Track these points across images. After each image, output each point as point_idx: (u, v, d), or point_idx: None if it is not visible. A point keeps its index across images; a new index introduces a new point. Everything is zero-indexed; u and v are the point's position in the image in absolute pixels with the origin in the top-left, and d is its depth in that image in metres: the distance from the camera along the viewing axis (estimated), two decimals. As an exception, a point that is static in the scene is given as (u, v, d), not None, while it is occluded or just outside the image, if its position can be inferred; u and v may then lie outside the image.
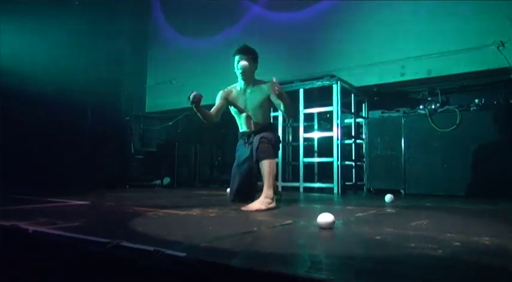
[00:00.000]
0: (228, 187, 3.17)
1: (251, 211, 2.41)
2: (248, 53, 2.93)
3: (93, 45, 5.71)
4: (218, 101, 3.04)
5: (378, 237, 1.50)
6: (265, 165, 2.62)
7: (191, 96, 2.69)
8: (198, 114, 2.84)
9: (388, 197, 3.26)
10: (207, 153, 6.34)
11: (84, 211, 2.48)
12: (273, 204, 2.56)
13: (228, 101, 3.03)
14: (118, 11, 6.55)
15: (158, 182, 5.46)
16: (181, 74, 6.71)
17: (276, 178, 2.84)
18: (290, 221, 1.97)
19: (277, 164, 2.76)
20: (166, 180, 5.54)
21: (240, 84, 3.02)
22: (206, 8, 6.70)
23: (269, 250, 1.34)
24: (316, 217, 1.76)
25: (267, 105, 3.02)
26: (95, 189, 4.40)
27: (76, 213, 2.31)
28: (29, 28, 4.99)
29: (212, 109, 2.98)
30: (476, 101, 4.23)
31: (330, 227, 1.73)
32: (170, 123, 6.16)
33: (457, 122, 4.13)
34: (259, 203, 2.50)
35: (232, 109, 3.08)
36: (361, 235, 1.64)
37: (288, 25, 5.86)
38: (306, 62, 5.58)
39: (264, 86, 2.96)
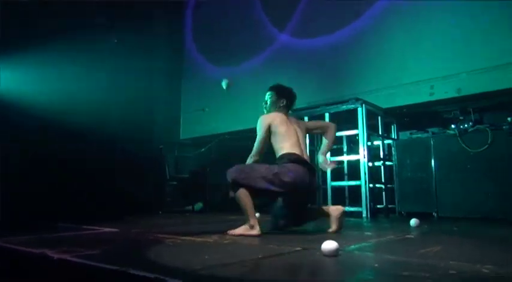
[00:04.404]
0: (257, 212, 3.22)
1: (254, 238, 2.50)
2: (276, 89, 3.12)
3: (129, 79, 6.09)
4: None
5: (376, 265, 1.52)
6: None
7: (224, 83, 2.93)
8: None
9: (413, 221, 3.18)
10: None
11: (109, 238, 2.64)
12: (254, 232, 2.58)
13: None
14: (152, 44, 6.97)
15: (190, 207, 5.62)
16: (214, 101, 6.96)
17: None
18: (300, 248, 2.00)
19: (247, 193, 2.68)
20: (198, 205, 5.69)
21: None
22: (235, 38, 6.98)
23: (262, 278, 1.40)
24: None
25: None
26: (128, 216, 4.61)
27: (101, 241, 2.47)
28: (69, 65, 5.42)
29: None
30: (509, 119, 4.07)
31: (333, 254, 1.75)
32: (203, 149, 6.36)
33: (489, 141, 3.98)
34: (236, 230, 2.65)
35: None
36: (360, 263, 1.65)
37: (314, 51, 5.97)
38: (333, 86, 5.63)
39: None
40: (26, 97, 4.97)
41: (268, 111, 3.06)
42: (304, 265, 1.61)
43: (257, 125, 2.90)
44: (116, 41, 6.24)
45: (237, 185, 2.68)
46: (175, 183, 6.12)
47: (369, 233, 2.76)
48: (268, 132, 2.87)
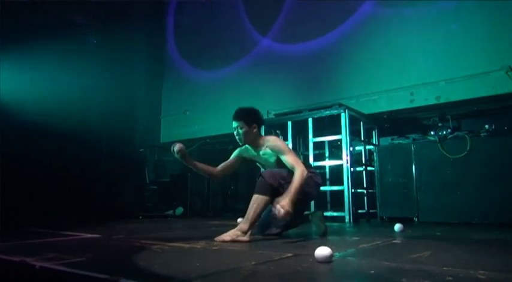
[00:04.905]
0: (240, 217, 3.18)
1: (243, 244, 2.45)
2: (242, 118, 2.81)
3: (107, 80, 5.95)
4: (232, 157, 3.05)
5: (372, 272, 1.51)
6: (252, 200, 2.62)
7: (175, 149, 2.68)
8: (193, 168, 2.84)
9: (397, 227, 3.22)
10: (219, 183, 6.40)
11: (92, 245, 2.54)
12: (244, 238, 2.52)
13: (244, 159, 3.03)
14: (132, 46, 6.85)
15: (171, 212, 5.52)
16: (195, 105, 6.90)
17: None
18: (290, 254, 1.98)
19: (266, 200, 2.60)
20: (179, 210, 5.60)
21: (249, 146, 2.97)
22: (218, 41, 6.94)
23: (261, 286, 1.37)
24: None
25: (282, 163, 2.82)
26: (107, 221, 4.49)
27: (84, 248, 2.38)
28: (46, 64, 5.24)
29: (221, 164, 3.02)
30: (487, 126, 4.20)
31: (327, 260, 1.73)
32: (183, 153, 6.27)
33: (468, 148, 4.09)
34: (226, 234, 2.55)
35: None
36: (355, 269, 1.65)
37: (296, 56, 6.01)
38: (315, 92, 5.68)
39: (270, 145, 2.81)
40: (3, 98, 4.77)
41: (253, 141, 2.87)
42: (301, 272, 1.59)
43: (279, 144, 2.79)
44: (95, 41, 6.10)
45: (274, 190, 2.60)
46: (155, 187, 6.01)
47: (356, 238, 2.77)
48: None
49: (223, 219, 5.05)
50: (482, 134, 4.15)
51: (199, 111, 6.76)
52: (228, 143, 6.47)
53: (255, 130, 2.83)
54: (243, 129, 2.79)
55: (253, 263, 1.74)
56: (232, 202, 6.38)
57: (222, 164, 3.03)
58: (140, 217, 5.19)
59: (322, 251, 1.74)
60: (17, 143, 4.65)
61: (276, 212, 2.34)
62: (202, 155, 6.47)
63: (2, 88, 4.74)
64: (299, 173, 2.55)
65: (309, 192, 2.79)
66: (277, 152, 2.76)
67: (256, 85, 6.27)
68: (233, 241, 2.50)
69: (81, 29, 5.86)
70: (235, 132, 2.84)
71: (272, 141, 2.81)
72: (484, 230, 3.33)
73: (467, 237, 2.86)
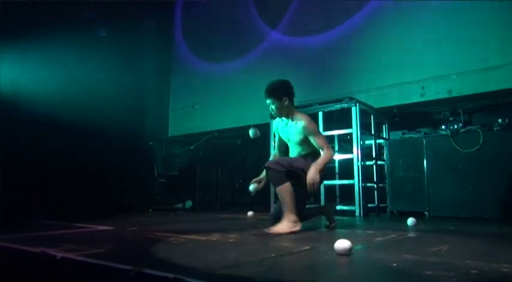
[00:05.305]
0: (249, 210, 3.20)
1: (272, 235, 2.46)
2: (272, 94, 2.89)
3: (116, 74, 5.95)
4: (276, 136, 3.18)
5: (395, 264, 1.50)
6: (278, 193, 2.70)
7: (251, 189, 2.90)
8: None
9: (410, 221, 3.21)
10: (228, 176, 6.40)
11: (108, 237, 2.55)
12: (297, 228, 2.60)
13: (277, 133, 3.13)
14: (141, 40, 6.84)
15: (180, 205, 5.54)
16: (203, 98, 6.89)
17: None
18: (308, 247, 1.98)
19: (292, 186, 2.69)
20: (189, 203, 5.62)
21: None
22: (226, 34, 6.91)
23: (285, 278, 1.37)
24: (334, 242, 1.76)
25: (306, 142, 2.90)
26: (118, 214, 4.51)
27: (100, 239, 2.39)
28: (55, 58, 5.25)
29: (275, 149, 3.18)
30: (500, 120, 4.16)
31: (347, 253, 1.73)
32: (192, 147, 6.29)
33: (480, 142, 4.05)
34: (280, 227, 2.58)
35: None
36: (377, 262, 1.64)
37: (306, 49, 5.96)
38: (326, 85, 5.64)
39: (300, 125, 2.85)
40: (12, 91, 4.78)
41: (286, 114, 2.93)
42: (322, 264, 1.59)
43: (310, 125, 2.84)
44: (104, 34, 6.09)
45: (297, 175, 2.71)
46: (163, 180, 6.02)
47: (370, 232, 2.76)
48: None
49: (232, 213, 5.06)
50: (495, 128, 4.11)
51: (207, 105, 6.74)
52: (235, 137, 6.48)
53: (286, 103, 2.88)
54: (275, 105, 2.87)
55: (273, 255, 1.74)
56: (240, 196, 6.38)
57: (276, 149, 3.17)
58: (150, 210, 5.21)
59: (343, 244, 1.74)
60: (25, 137, 4.68)
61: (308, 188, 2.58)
62: (210, 148, 6.48)
63: (15, 82, 4.76)
64: (328, 153, 2.76)
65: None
66: (307, 133, 2.83)
67: (265, 79, 6.19)
68: (291, 232, 2.54)
69: (90, 22, 5.85)
70: (269, 109, 2.95)
71: (305, 120, 2.85)
72: (495, 225, 3.31)
73: (480, 232, 2.84)
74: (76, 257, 1.65)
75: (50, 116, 4.81)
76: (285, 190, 2.65)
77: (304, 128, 2.82)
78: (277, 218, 2.90)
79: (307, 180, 2.61)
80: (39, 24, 4.99)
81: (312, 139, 2.83)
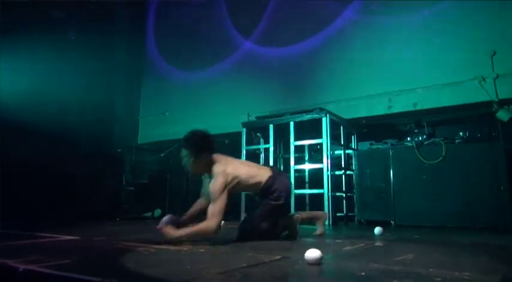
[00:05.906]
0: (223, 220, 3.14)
1: (230, 246, 2.45)
2: (187, 147, 2.66)
3: (86, 78, 5.82)
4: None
5: (363, 273, 1.54)
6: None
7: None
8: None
9: (377, 230, 3.29)
10: (198, 184, 6.32)
11: (74, 247, 2.48)
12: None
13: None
14: (112, 45, 6.73)
15: (149, 214, 5.44)
16: (175, 106, 6.83)
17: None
18: (278, 257, 1.99)
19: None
20: (158, 212, 5.52)
21: None
22: (200, 42, 6.92)
23: (256, 288, 1.37)
24: (305, 251, 1.79)
25: (241, 187, 2.83)
26: (83, 222, 4.37)
27: (66, 250, 2.31)
28: (24, 61, 5.08)
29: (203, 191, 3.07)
30: (461, 133, 4.36)
31: (317, 262, 1.76)
32: (162, 154, 6.20)
33: (443, 154, 4.23)
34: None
35: None
36: (346, 271, 1.67)
37: (278, 59, 6.06)
38: (297, 95, 5.75)
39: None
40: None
41: (199, 171, 2.75)
42: (293, 274, 1.61)
43: (213, 185, 2.57)
44: (73, 38, 5.95)
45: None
46: (132, 188, 5.90)
47: (339, 241, 2.81)
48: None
49: (202, 220, 4.99)
50: (456, 141, 4.30)
51: (179, 112, 6.69)
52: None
53: (201, 159, 2.64)
54: (189, 161, 2.64)
55: (244, 265, 1.74)
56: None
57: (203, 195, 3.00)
58: (117, 219, 5.08)
59: (313, 253, 1.77)
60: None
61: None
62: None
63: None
64: (207, 225, 2.46)
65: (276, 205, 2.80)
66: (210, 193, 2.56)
67: (238, 87, 6.28)
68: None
69: (59, 24, 5.70)
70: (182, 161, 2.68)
71: (214, 179, 2.58)
72: (458, 233, 3.45)
73: (444, 240, 2.96)
74: (40, 268, 1.59)
75: (14, 121, 4.63)
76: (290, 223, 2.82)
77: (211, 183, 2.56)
78: (245, 228, 2.89)
79: (166, 235, 2.45)
80: (6, 27, 4.82)
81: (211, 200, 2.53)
